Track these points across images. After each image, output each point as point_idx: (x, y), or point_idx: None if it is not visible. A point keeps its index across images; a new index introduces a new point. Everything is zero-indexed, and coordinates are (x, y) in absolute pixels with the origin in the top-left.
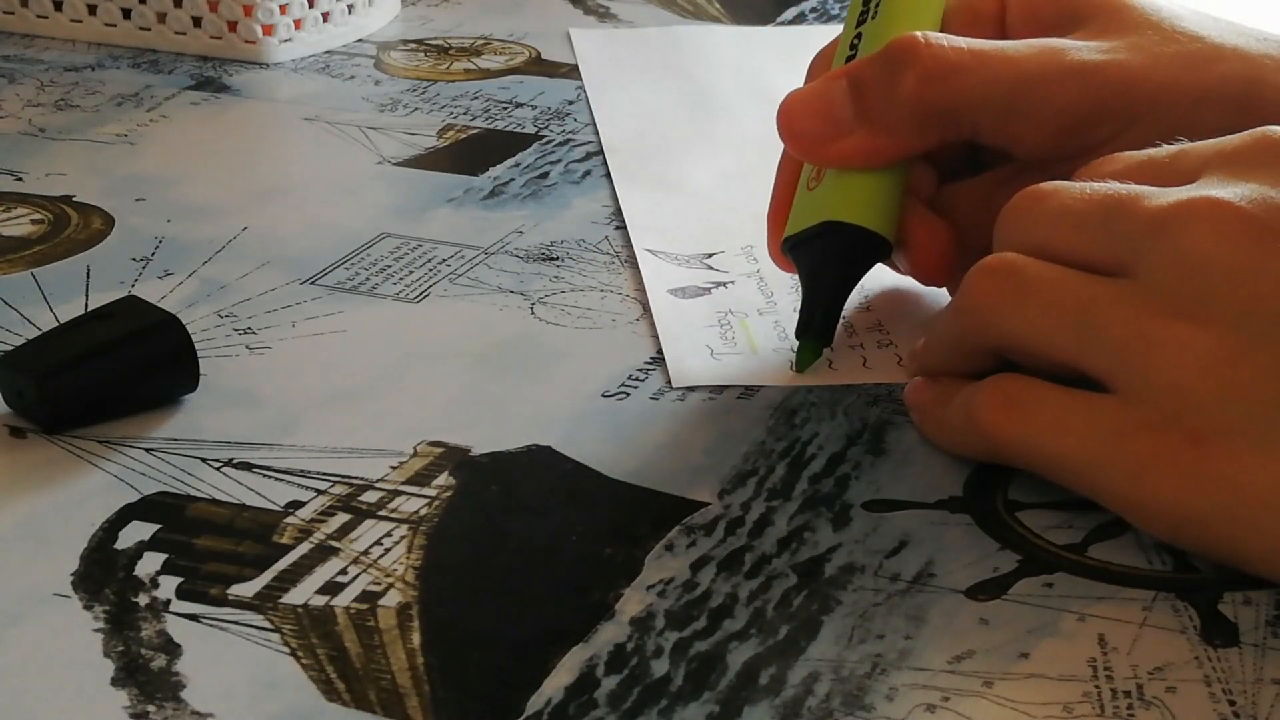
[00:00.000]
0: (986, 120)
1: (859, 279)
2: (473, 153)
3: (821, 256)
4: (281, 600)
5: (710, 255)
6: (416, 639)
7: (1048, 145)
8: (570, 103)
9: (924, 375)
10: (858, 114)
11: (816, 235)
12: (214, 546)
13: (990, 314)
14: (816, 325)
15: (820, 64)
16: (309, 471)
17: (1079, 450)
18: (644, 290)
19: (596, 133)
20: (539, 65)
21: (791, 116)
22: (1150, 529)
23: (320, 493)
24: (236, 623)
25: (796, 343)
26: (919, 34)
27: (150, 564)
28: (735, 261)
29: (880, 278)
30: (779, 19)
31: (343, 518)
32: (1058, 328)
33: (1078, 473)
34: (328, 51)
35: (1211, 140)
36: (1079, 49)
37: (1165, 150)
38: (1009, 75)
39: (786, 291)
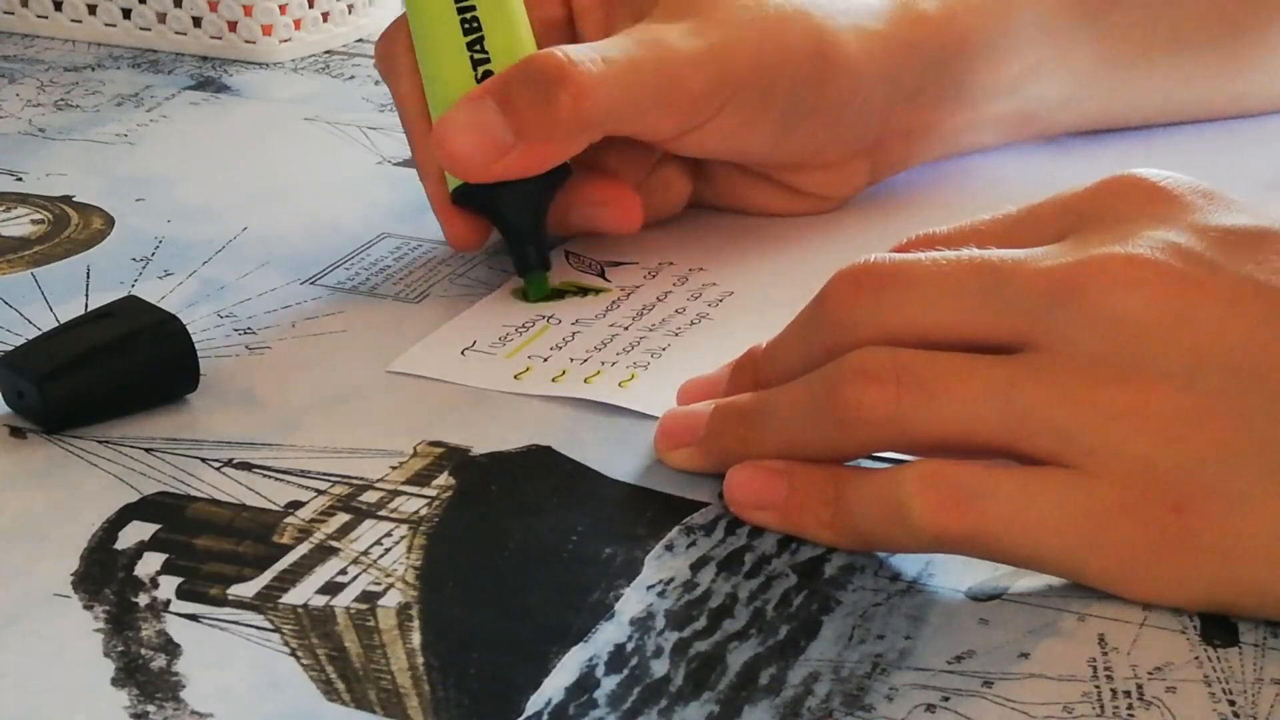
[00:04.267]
0: (626, 120)
1: (549, 205)
2: None
3: (528, 194)
4: (281, 600)
5: (617, 264)
6: (416, 639)
7: (671, 129)
8: None
9: (753, 460)
10: (516, 132)
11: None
12: (214, 546)
13: (887, 423)
14: (534, 257)
15: (394, 56)
16: (309, 471)
17: (1058, 544)
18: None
19: None
20: None
21: (450, 144)
22: (1151, 602)
23: (320, 493)
24: (236, 623)
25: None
26: (559, 52)
27: (150, 564)
28: (630, 276)
29: None
30: None
31: (343, 518)
32: (982, 420)
33: (1059, 565)
34: (328, 51)
35: (1049, 200)
36: (678, 36)
37: (992, 220)
38: (638, 78)
39: (605, 326)
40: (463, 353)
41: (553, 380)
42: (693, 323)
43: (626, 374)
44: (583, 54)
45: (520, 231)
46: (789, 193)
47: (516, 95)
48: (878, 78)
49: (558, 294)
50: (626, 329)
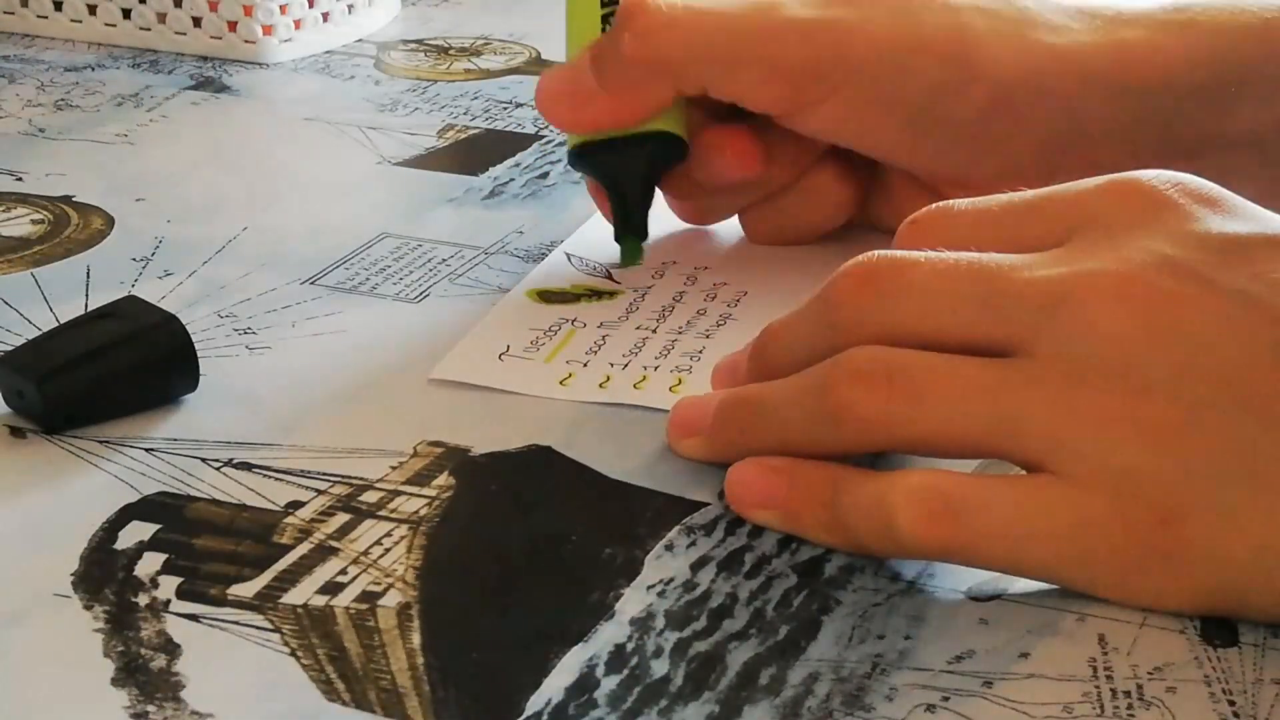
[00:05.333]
0: (709, 75)
1: (660, 178)
2: (473, 153)
3: (630, 160)
4: (281, 600)
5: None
6: (416, 639)
7: (775, 99)
8: None
9: (755, 459)
10: (598, 81)
11: (621, 142)
12: (214, 546)
13: (878, 423)
14: (633, 222)
15: None
16: (309, 471)
17: (1048, 555)
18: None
19: None
20: (539, 65)
21: (541, 93)
22: (1144, 608)
23: (320, 493)
24: (236, 623)
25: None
26: None
27: (150, 564)
28: (638, 277)
29: None
30: None
31: (342, 518)
32: (970, 422)
33: (1049, 575)
34: (328, 51)
35: (1059, 190)
36: (795, 5)
37: (1007, 202)
38: (723, 31)
39: (632, 329)
40: (499, 358)
41: (599, 386)
42: (719, 324)
43: (673, 379)
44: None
45: (621, 195)
46: None
47: (601, 44)
48: (1035, 95)
49: (572, 297)
50: (654, 332)
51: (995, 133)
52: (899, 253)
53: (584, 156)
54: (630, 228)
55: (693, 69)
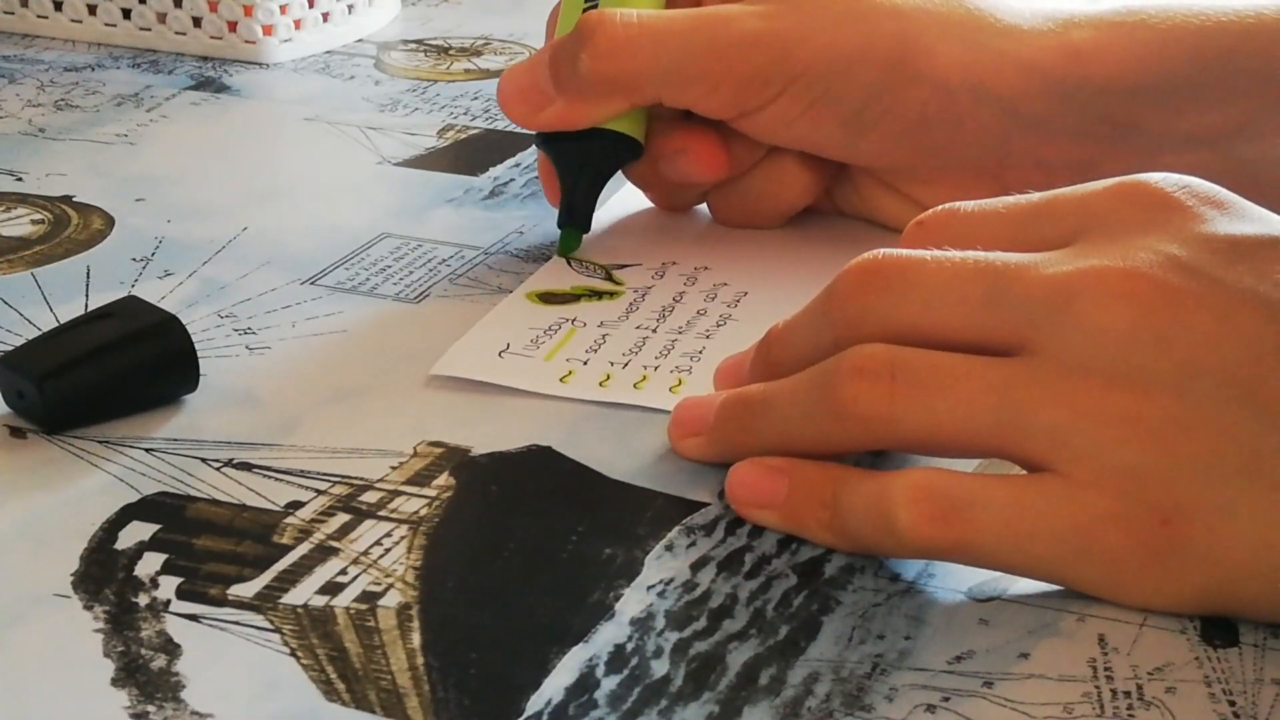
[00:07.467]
0: (664, 89)
1: (611, 175)
2: (473, 153)
3: (584, 154)
4: (281, 600)
5: (622, 266)
6: (416, 639)
7: (725, 106)
8: None
9: (755, 459)
10: (555, 87)
11: (578, 135)
12: (214, 546)
13: (881, 420)
14: (577, 214)
15: (552, 21)
16: (309, 471)
17: (1048, 554)
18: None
19: None
20: None
21: (502, 93)
22: (1141, 609)
23: (320, 493)
24: (236, 623)
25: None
26: (605, 11)
27: (150, 564)
28: (638, 277)
29: None
30: None
31: (343, 518)
32: (975, 420)
33: (1048, 574)
34: (328, 51)
35: (1067, 193)
36: (742, 17)
37: (1014, 204)
38: (676, 47)
39: (632, 328)
40: (500, 355)
41: (599, 385)
42: (719, 324)
43: (673, 379)
44: (618, 15)
45: (570, 186)
46: (915, 209)
47: (560, 50)
48: (977, 96)
49: (572, 297)
50: (654, 332)
51: (937, 132)
52: (904, 250)
53: (546, 141)
54: (573, 218)
55: (646, 87)
